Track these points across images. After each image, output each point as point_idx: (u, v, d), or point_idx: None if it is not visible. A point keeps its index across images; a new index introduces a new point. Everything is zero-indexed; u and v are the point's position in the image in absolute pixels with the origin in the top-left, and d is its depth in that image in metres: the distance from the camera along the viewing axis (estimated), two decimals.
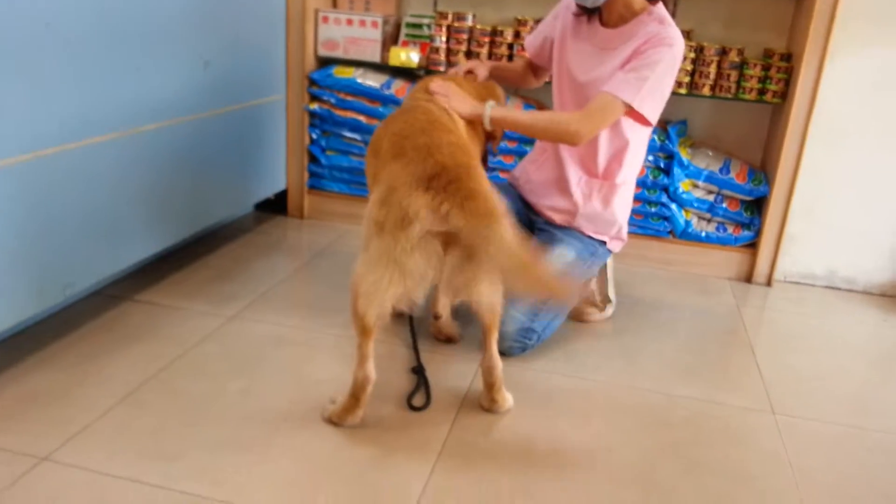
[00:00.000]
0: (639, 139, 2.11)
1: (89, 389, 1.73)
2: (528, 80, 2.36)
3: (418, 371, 1.89)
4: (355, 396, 1.66)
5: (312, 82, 2.90)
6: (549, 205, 2.19)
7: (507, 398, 1.79)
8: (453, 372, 1.94)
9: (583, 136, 1.93)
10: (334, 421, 1.67)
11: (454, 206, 1.50)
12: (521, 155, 2.70)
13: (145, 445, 1.55)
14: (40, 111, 1.72)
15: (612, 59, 1.99)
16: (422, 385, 1.84)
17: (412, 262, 1.53)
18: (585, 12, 2.06)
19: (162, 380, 1.79)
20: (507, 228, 1.52)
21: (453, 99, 1.91)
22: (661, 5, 1.99)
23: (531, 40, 2.26)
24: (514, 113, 2.07)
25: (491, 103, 1.97)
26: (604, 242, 2.19)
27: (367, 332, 1.61)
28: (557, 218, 2.18)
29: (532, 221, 2.26)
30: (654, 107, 1.94)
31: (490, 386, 1.77)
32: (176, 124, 2.23)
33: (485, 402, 1.79)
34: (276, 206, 3.10)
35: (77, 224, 1.88)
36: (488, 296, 1.66)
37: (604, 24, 2.03)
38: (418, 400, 1.80)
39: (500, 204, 1.56)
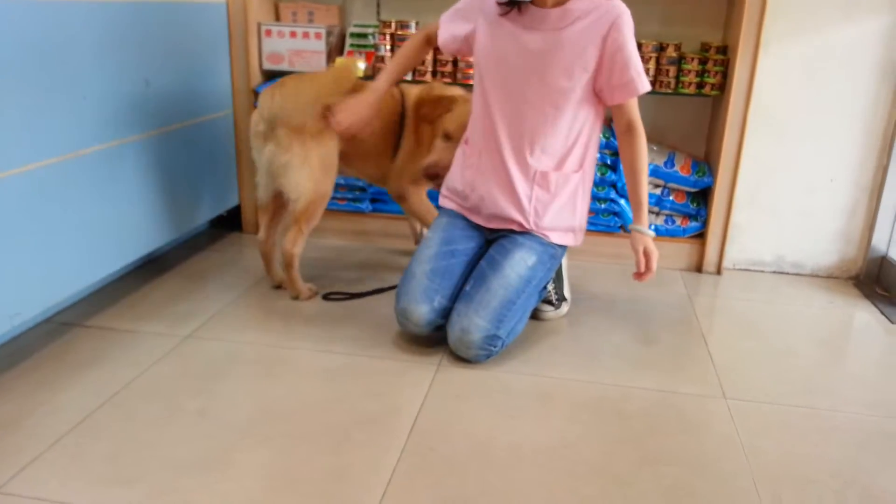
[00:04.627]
0: (595, 121, 2.11)
1: (41, 419, 1.70)
2: (423, 56, 2.44)
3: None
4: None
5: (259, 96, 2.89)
6: (508, 214, 2.13)
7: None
8: (410, 381, 1.95)
9: None
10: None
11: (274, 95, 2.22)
12: None
13: (101, 471, 1.53)
14: None
15: (566, 40, 1.96)
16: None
17: (254, 155, 2.33)
18: (512, 5, 2.00)
19: (116, 404, 1.77)
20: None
21: (654, 257, 2.10)
22: None
23: (446, 40, 2.18)
24: (643, 202, 2.11)
25: (640, 229, 2.10)
26: (564, 246, 2.20)
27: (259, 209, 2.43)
28: (518, 220, 2.13)
29: (489, 240, 2.21)
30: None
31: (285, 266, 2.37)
32: (121, 145, 2.21)
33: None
34: (230, 222, 3.08)
35: (22, 251, 1.85)
36: (294, 185, 2.26)
37: (538, 4, 1.99)
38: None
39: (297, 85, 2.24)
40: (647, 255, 2.09)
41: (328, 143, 2.29)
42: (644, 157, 2.09)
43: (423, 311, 2.04)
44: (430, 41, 2.28)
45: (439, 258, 2.13)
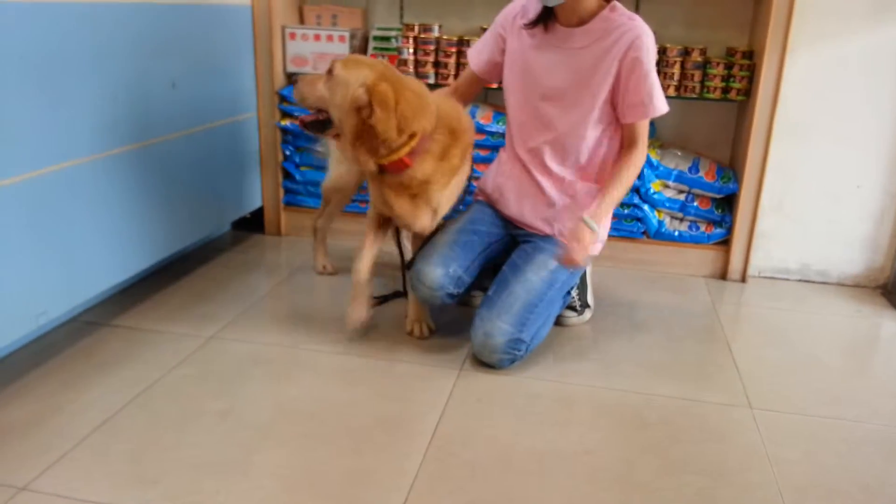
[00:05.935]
0: (615, 136, 2.11)
1: (66, 417, 1.72)
2: (473, 96, 2.32)
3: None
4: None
5: (283, 99, 2.91)
6: (530, 222, 2.18)
7: None
8: (431, 386, 1.94)
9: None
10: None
11: None
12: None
13: (124, 470, 1.54)
14: (8, 139, 1.71)
15: (585, 59, 2.00)
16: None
17: None
18: (539, 21, 2.04)
19: (140, 404, 1.79)
20: None
21: (581, 247, 1.97)
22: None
23: (477, 58, 2.21)
24: (606, 201, 2.03)
25: (589, 221, 1.97)
26: None
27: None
28: (542, 229, 2.17)
29: (513, 236, 2.24)
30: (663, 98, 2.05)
31: None
32: (147, 146, 2.22)
33: None
34: (253, 224, 3.10)
35: (49, 250, 1.87)
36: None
37: (563, 24, 2.02)
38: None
39: None
40: (579, 241, 1.98)
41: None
42: (634, 172, 2.07)
43: (437, 273, 2.04)
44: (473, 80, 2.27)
45: (462, 233, 2.15)
